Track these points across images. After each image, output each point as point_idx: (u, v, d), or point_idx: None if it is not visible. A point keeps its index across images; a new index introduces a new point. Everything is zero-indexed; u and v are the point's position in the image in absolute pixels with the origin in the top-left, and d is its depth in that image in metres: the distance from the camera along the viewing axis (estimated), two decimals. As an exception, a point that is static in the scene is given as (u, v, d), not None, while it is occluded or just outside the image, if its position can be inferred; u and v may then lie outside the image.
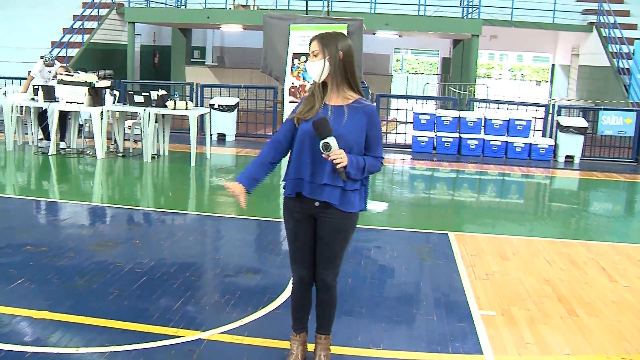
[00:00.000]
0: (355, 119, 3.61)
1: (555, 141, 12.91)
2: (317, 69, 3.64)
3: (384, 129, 14.43)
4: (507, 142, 12.84)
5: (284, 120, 3.88)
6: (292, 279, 4.02)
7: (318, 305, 3.96)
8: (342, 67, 3.63)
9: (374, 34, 18.61)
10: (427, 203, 9.34)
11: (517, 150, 12.79)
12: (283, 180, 3.83)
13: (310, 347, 4.09)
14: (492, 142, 12.87)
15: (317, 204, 3.70)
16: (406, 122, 14.44)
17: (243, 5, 18.66)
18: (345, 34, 11.01)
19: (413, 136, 13.24)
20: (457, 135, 12.94)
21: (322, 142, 3.50)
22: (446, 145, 12.94)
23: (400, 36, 20.73)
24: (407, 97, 16.05)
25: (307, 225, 3.79)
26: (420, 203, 9.31)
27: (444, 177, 11.41)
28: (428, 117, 13.23)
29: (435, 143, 13.07)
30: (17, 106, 11.64)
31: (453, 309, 5.08)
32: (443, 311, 5.04)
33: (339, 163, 3.51)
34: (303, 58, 12.75)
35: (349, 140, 3.58)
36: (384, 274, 5.93)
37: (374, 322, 4.80)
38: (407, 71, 39.33)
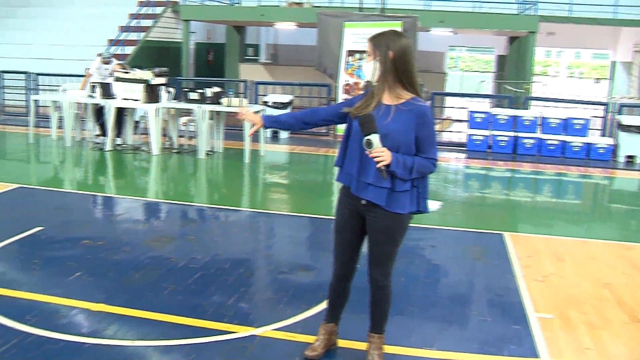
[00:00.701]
0: (402, 119, 3.58)
1: (616, 140, 12.56)
2: (369, 69, 3.67)
3: (437, 127, 14.28)
4: (564, 141, 12.54)
5: (337, 103, 3.96)
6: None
7: (371, 304, 3.94)
8: (393, 67, 3.59)
9: (428, 31, 18.44)
10: (482, 202, 9.19)
11: (574, 149, 12.48)
12: (335, 165, 3.88)
13: (363, 345, 4.06)
14: (548, 142, 12.60)
15: (363, 202, 3.71)
16: (461, 121, 14.27)
17: (297, 3, 18.71)
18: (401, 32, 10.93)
19: (468, 135, 13.07)
20: (512, 134, 12.71)
21: (365, 138, 3.51)
22: (501, 144, 12.72)
23: (455, 33, 20.50)
24: (461, 95, 15.86)
25: (353, 222, 3.80)
26: (474, 202, 9.17)
27: (499, 177, 11.22)
28: (483, 115, 13.03)
29: (490, 142, 12.87)
30: (75, 103, 11.92)
31: (508, 311, 4.99)
32: (498, 312, 4.95)
33: (381, 161, 3.49)
34: (357, 55, 12.71)
35: (395, 139, 3.55)
36: (437, 274, 5.86)
37: (427, 322, 4.74)
38: (462, 69, 38.90)
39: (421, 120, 3.59)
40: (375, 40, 3.64)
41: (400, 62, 3.59)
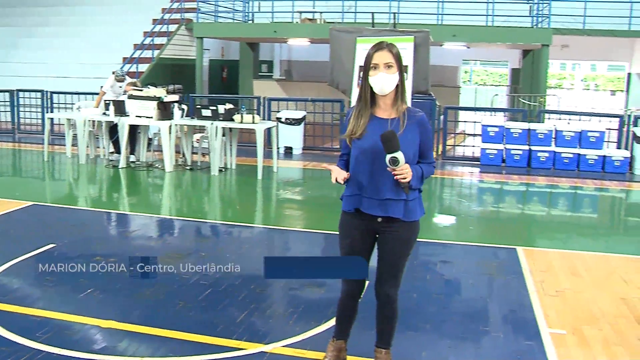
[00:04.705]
0: (412, 130, 3.58)
1: (632, 153, 12.43)
2: (394, 81, 3.56)
3: (451, 141, 14.24)
4: (579, 154, 12.43)
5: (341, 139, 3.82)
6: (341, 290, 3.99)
7: (381, 320, 3.91)
8: (402, 79, 3.59)
9: (441, 45, 18.41)
10: (496, 217, 9.12)
11: (590, 162, 12.37)
12: (342, 197, 3.84)
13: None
14: (563, 155, 12.49)
15: (379, 219, 3.66)
16: (474, 135, 14.21)
17: (309, 19, 18.78)
18: (412, 46, 10.75)
19: (481, 149, 12.99)
20: (527, 147, 12.62)
21: (389, 156, 3.44)
22: (515, 157, 12.64)
23: (468, 47, 20.47)
24: (475, 109, 15.82)
25: (366, 241, 3.78)
26: (488, 217, 9.10)
27: (513, 191, 11.14)
28: (497, 129, 12.96)
29: (504, 156, 12.79)
30: (89, 120, 11.99)
31: (521, 327, 4.92)
32: (510, 328, 4.89)
33: (405, 178, 3.48)
34: (369, 71, 12.70)
35: (406, 152, 3.50)
36: (449, 289, 5.81)
37: (439, 338, 4.69)
38: (476, 83, 38.82)
39: (424, 128, 3.63)
40: (395, 50, 3.56)
41: (402, 74, 3.58)
